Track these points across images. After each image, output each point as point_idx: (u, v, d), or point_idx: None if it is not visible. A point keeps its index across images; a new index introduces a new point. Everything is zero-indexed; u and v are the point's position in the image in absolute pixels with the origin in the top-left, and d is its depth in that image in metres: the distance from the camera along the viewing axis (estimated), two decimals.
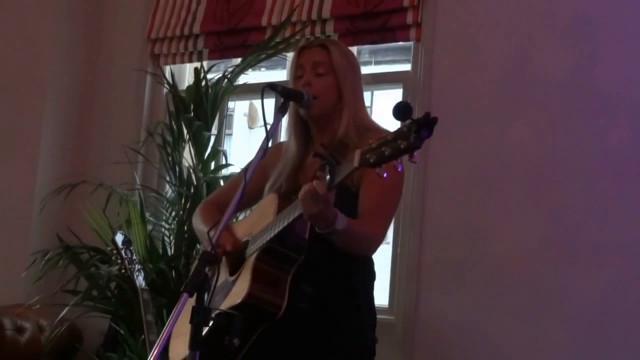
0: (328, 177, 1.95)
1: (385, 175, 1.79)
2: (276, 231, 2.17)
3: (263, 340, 2.21)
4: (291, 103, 2.39)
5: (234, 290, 2.25)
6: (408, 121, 1.71)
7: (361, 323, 2.39)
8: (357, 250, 2.30)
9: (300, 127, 2.49)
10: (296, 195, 2.32)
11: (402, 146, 1.71)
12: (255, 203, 2.58)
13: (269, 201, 2.35)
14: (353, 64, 2.51)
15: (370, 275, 2.45)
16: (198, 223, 2.62)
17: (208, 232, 2.15)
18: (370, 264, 2.45)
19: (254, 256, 2.24)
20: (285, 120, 2.46)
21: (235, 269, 2.33)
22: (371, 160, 1.78)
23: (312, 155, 2.05)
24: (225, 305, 2.22)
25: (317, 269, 2.25)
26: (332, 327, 2.32)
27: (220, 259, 2.33)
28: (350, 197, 2.28)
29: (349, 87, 2.45)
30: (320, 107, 2.40)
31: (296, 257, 2.22)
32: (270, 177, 2.49)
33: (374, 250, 2.37)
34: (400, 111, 1.72)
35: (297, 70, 2.46)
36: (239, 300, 2.18)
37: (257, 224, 2.32)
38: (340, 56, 2.46)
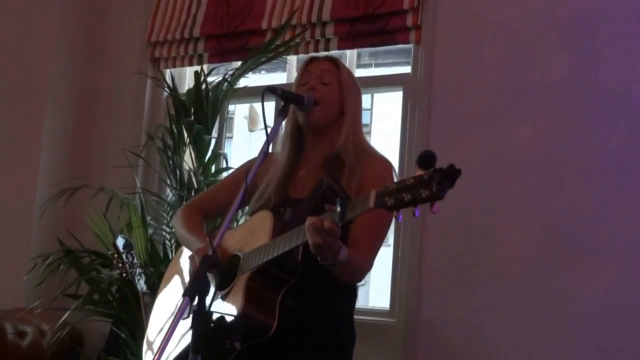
0: (338, 210, 1.95)
1: (400, 218, 1.80)
2: (275, 254, 2.15)
3: (244, 352, 2.19)
4: (291, 109, 2.39)
5: (225, 307, 2.23)
6: (431, 169, 1.72)
7: (341, 342, 2.39)
8: (350, 279, 2.31)
9: (295, 137, 2.48)
10: (284, 207, 2.31)
11: (423, 195, 1.73)
12: (240, 208, 2.56)
13: (262, 219, 2.31)
14: (357, 86, 2.53)
15: (353, 294, 2.46)
16: (181, 228, 2.60)
17: (209, 238, 2.14)
18: (354, 285, 2.46)
19: (246, 275, 2.22)
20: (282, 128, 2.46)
21: (222, 283, 2.30)
22: (389, 204, 1.79)
23: (323, 187, 2.06)
24: None
25: (301, 285, 2.24)
26: (314, 343, 2.32)
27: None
28: None
29: (352, 103, 2.46)
30: (320, 114, 2.40)
31: (290, 279, 2.22)
32: (259, 187, 2.48)
33: (363, 279, 2.40)
34: (425, 159, 1.74)
35: (303, 77, 2.46)
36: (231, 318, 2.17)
37: (248, 240, 2.29)
38: (348, 73, 2.51)
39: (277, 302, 2.19)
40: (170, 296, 2.59)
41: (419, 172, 1.74)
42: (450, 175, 1.72)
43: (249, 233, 2.31)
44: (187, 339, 2.21)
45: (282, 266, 2.19)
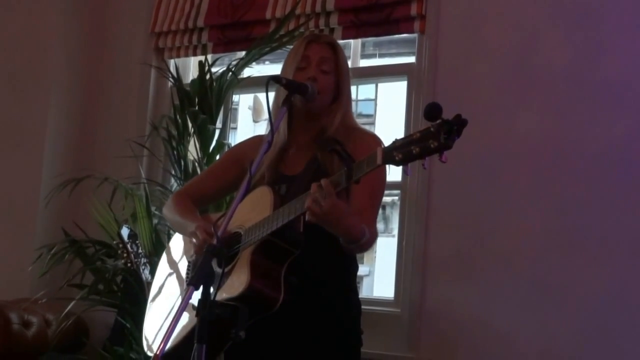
0: (345, 170, 1.97)
1: (409, 173, 1.83)
2: (279, 225, 2.17)
3: (249, 330, 2.19)
4: (281, 90, 2.41)
5: (230, 283, 2.25)
6: (438, 121, 1.73)
7: (350, 314, 2.42)
8: (360, 251, 2.33)
9: (289, 119, 2.50)
10: (278, 184, 2.36)
11: (432, 146, 1.75)
12: (229, 193, 2.58)
13: (261, 194, 2.33)
14: (348, 67, 2.57)
15: (355, 267, 2.49)
16: (173, 214, 2.60)
17: (214, 226, 2.16)
18: (354, 256, 2.49)
19: (250, 249, 2.24)
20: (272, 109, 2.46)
21: (225, 260, 2.30)
22: (397, 159, 1.82)
23: (327, 151, 2.09)
24: (221, 297, 2.20)
25: (304, 261, 2.25)
26: (324, 318, 2.34)
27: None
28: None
29: (347, 87, 2.51)
30: (320, 103, 2.44)
31: (293, 250, 2.24)
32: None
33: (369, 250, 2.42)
34: (431, 112, 1.75)
35: (302, 61, 2.47)
36: (237, 293, 2.18)
37: (248, 216, 2.30)
38: (343, 57, 2.54)
39: (281, 275, 2.21)
40: (168, 283, 2.60)
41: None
42: (458, 124, 1.72)
43: (249, 209, 2.32)
44: (190, 326, 2.23)
45: (284, 238, 2.22)
